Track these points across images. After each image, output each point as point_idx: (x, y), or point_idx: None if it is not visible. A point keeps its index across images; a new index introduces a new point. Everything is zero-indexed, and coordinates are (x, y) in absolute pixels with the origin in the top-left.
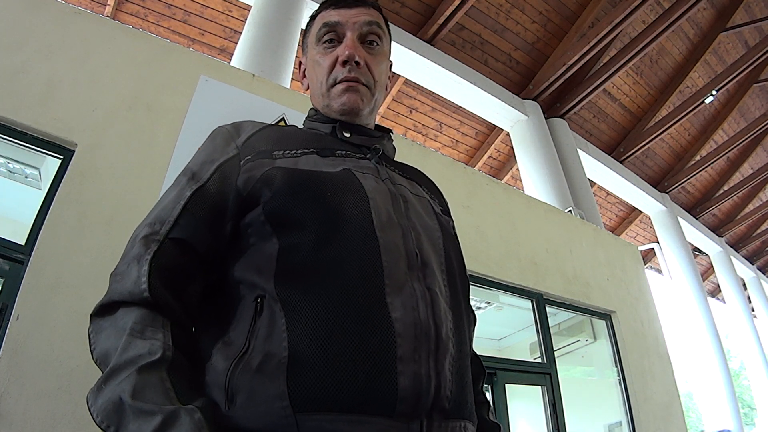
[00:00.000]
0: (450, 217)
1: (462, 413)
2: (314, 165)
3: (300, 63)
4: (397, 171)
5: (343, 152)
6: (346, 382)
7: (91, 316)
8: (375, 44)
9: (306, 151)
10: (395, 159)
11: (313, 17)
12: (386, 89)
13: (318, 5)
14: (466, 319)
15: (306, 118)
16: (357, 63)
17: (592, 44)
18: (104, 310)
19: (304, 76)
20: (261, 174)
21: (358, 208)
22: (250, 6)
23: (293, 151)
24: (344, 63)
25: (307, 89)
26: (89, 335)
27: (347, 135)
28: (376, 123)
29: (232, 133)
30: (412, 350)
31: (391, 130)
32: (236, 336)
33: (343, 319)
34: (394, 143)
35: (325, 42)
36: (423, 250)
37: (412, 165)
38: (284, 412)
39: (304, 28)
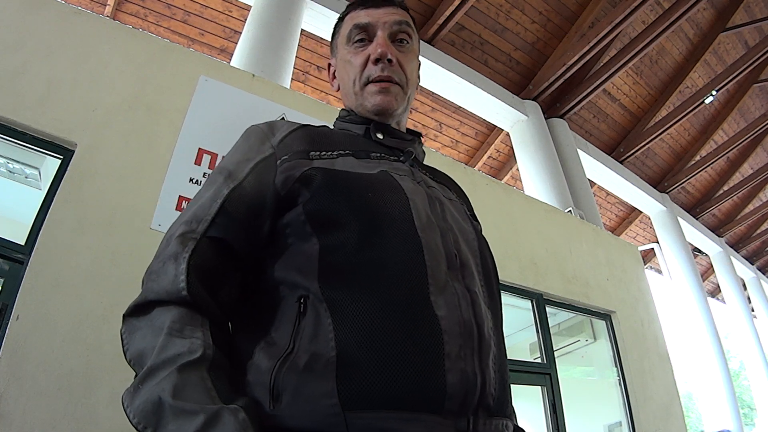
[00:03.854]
0: (478, 222)
1: (504, 411)
2: (351, 166)
3: (329, 65)
4: (429, 175)
5: (378, 154)
6: (395, 380)
7: (124, 316)
8: (405, 42)
9: (342, 152)
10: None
11: (341, 18)
12: (416, 87)
13: (318, 5)
14: (501, 319)
15: (337, 118)
16: (389, 61)
17: (592, 44)
18: (139, 309)
19: (334, 77)
20: (300, 174)
21: (399, 209)
22: (250, 6)
23: (329, 153)
24: (376, 61)
25: (337, 90)
26: (122, 335)
27: (380, 137)
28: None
29: (266, 132)
30: (458, 348)
31: (421, 134)
32: (279, 336)
33: (390, 318)
34: (424, 147)
35: (356, 42)
36: (461, 251)
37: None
38: (333, 410)
39: (304, 28)
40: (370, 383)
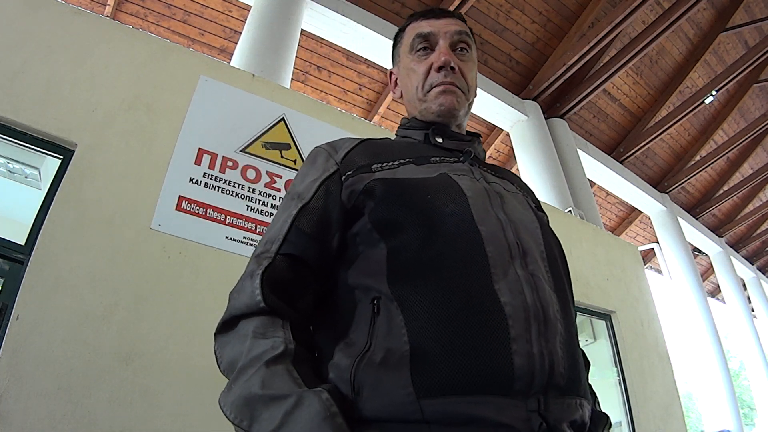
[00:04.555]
0: (544, 213)
1: (577, 390)
2: (412, 173)
3: (390, 74)
4: (489, 171)
5: (437, 158)
6: (465, 367)
7: (215, 334)
8: (466, 51)
9: (402, 161)
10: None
11: (402, 29)
12: (475, 94)
13: (318, 5)
14: (571, 302)
15: (399, 126)
16: (452, 68)
17: (592, 44)
18: (226, 326)
19: (396, 84)
20: (363, 187)
21: (457, 206)
22: (250, 6)
23: (390, 163)
24: (440, 68)
25: (399, 97)
26: (215, 352)
27: (440, 140)
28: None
29: (330, 152)
30: (523, 331)
31: (479, 135)
32: (357, 336)
33: (457, 309)
34: (483, 147)
35: (419, 50)
36: (522, 239)
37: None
38: (408, 399)
39: (304, 28)
40: (442, 372)
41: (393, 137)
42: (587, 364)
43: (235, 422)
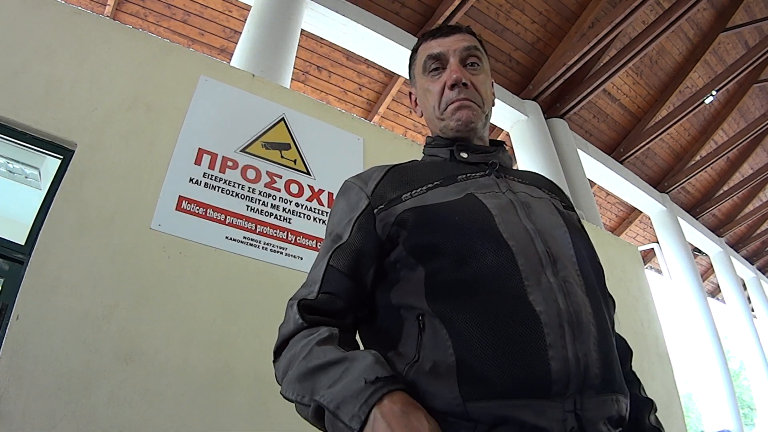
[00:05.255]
0: (574, 211)
1: (612, 387)
2: (440, 197)
3: (410, 93)
4: (516, 179)
5: (464, 176)
6: (506, 374)
7: (273, 362)
8: (477, 65)
9: (430, 185)
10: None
11: (415, 50)
12: (492, 104)
13: (318, 5)
14: (603, 303)
15: (425, 145)
16: (465, 84)
17: (592, 44)
18: (279, 349)
19: (416, 104)
20: (395, 219)
21: (485, 225)
22: (250, 6)
23: (419, 189)
24: (452, 86)
25: (420, 116)
26: (275, 375)
27: (465, 156)
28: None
29: (360, 186)
30: (558, 337)
31: (503, 143)
32: (406, 350)
33: (496, 322)
34: (508, 154)
35: (431, 71)
36: (552, 247)
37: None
38: (455, 402)
39: (304, 28)
40: (486, 379)
41: (419, 156)
42: (630, 353)
43: (297, 400)
